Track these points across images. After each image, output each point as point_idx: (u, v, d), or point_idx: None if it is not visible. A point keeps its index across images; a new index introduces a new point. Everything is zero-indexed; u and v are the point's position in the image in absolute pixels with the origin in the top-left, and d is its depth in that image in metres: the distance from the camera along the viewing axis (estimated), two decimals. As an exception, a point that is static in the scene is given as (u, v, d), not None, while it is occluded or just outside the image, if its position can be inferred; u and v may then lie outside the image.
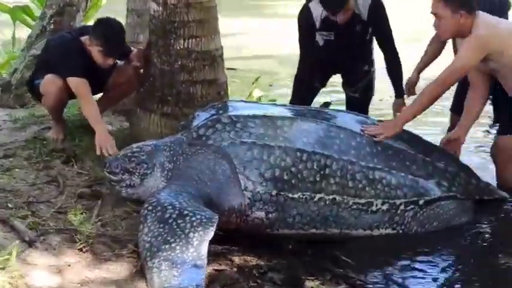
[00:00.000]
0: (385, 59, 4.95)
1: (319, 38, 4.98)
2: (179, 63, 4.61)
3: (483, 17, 4.14)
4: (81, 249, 3.47)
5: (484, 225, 4.10)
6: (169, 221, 3.37)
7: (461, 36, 4.21)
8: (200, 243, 3.25)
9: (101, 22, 4.74)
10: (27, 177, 4.30)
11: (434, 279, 3.55)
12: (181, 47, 4.59)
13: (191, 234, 3.29)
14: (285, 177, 3.74)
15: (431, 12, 4.20)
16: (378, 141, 3.92)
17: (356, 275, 3.49)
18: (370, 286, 3.43)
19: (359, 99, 5.19)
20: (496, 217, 4.18)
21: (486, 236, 4.03)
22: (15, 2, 7.79)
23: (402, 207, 3.89)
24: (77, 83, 4.58)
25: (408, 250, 3.82)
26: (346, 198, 3.80)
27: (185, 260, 3.18)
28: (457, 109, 5.02)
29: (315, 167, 3.76)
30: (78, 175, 4.40)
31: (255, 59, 10.50)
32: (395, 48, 4.95)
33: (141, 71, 4.88)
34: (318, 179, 3.76)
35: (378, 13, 4.81)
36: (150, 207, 3.48)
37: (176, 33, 4.57)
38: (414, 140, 4.19)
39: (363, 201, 3.82)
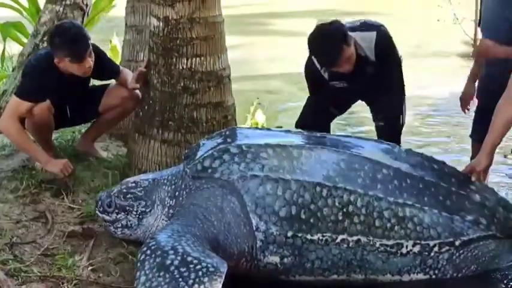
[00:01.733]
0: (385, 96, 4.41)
1: (332, 86, 4.45)
2: (182, 84, 4.17)
3: None
4: (68, 302, 3.05)
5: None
6: (171, 268, 2.91)
7: None
8: None
9: (54, 33, 4.30)
10: (12, 213, 3.86)
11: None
12: (184, 66, 4.15)
13: (196, 286, 2.84)
14: (303, 216, 3.28)
15: None
16: (411, 175, 3.47)
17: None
18: None
19: (387, 127, 4.56)
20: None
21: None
22: (7, 18, 7.38)
23: (436, 249, 3.41)
24: (11, 102, 4.30)
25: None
26: (373, 240, 3.33)
27: None
28: (477, 136, 4.48)
29: (336, 203, 3.30)
30: (69, 210, 3.95)
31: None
32: (400, 97, 4.47)
33: (139, 93, 4.45)
34: (340, 217, 3.29)
35: (386, 52, 4.26)
36: (148, 251, 3.02)
37: (178, 51, 4.14)
38: (446, 170, 3.70)
39: (391, 242, 3.35)
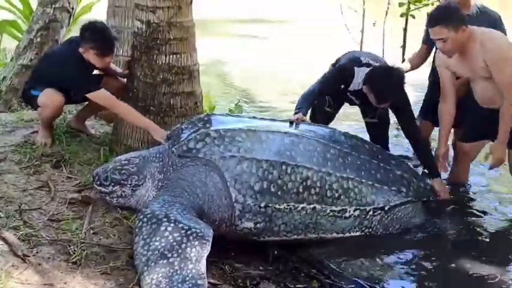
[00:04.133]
0: (411, 144, 3.83)
1: (348, 96, 3.96)
2: (161, 76, 3.70)
3: (472, 27, 3.43)
4: (75, 263, 2.58)
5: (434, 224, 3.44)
6: (165, 234, 2.54)
7: (462, 49, 3.42)
8: (198, 259, 2.45)
9: (86, 27, 3.74)
10: (18, 182, 3.32)
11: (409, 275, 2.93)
12: (163, 62, 3.68)
13: (188, 250, 2.47)
14: (272, 189, 2.96)
15: (435, 39, 3.42)
16: (350, 154, 3.22)
17: (341, 282, 2.75)
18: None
19: (378, 124, 4.12)
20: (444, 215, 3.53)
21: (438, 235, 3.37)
22: (2, 18, 6.56)
23: (371, 213, 3.19)
24: (101, 96, 3.65)
25: (379, 251, 3.11)
26: (325, 207, 3.07)
27: (185, 279, 2.37)
28: (427, 115, 4.18)
29: (298, 179, 3.00)
30: (67, 179, 3.44)
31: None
32: (418, 135, 3.75)
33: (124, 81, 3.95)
34: (301, 190, 3.01)
35: (403, 102, 3.68)
36: (144, 219, 2.63)
37: (159, 49, 3.66)
38: (374, 149, 3.46)
39: (338, 208, 3.10)
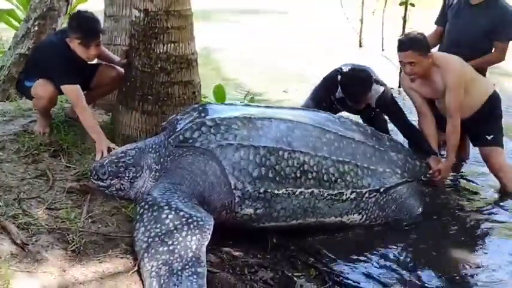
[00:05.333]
0: (403, 135, 3.93)
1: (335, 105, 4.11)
2: (159, 65, 3.70)
3: (435, 52, 3.84)
4: (74, 251, 2.60)
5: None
6: (166, 221, 2.56)
7: (427, 74, 3.71)
8: (199, 247, 2.47)
9: (73, 16, 3.74)
10: (17, 171, 3.33)
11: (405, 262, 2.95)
12: (161, 51, 3.68)
13: (189, 238, 2.49)
14: (270, 175, 2.99)
15: (403, 62, 3.67)
16: (345, 137, 3.29)
17: (338, 270, 2.77)
18: (351, 282, 2.72)
19: (376, 116, 4.19)
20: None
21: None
22: (0, 7, 6.52)
23: (367, 195, 3.26)
24: (71, 91, 3.61)
25: (375, 240, 3.14)
26: (322, 191, 3.11)
27: (185, 266, 2.38)
28: None
29: (295, 164, 3.04)
30: (66, 169, 3.44)
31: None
32: (408, 124, 3.87)
33: (123, 71, 3.93)
34: (298, 175, 3.04)
35: (385, 102, 3.87)
36: (146, 206, 2.66)
37: (156, 38, 3.66)
38: (368, 132, 3.52)
39: (335, 192, 3.16)
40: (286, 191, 3.02)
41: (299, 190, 3.04)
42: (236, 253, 2.78)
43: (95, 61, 4.17)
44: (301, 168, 3.04)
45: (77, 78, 3.65)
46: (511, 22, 4.06)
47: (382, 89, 3.84)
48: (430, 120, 3.84)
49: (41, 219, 2.81)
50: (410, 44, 3.64)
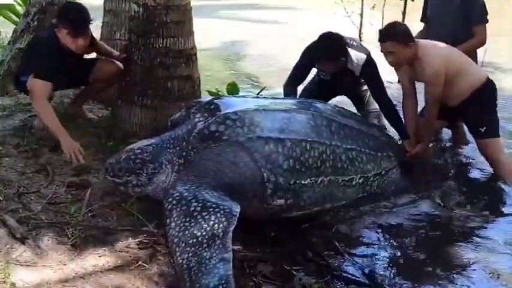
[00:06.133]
0: (380, 108, 4.04)
1: (316, 75, 4.18)
2: (158, 60, 3.71)
3: (421, 42, 3.79)
4: (73, 245, 2.61)
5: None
6: (194, 214, 2.59)
7: (410, 62, 3.75)
8: (225, 234, 2.52)
9: (63, 7, 3.75)
10: (17, 166, 3.34)
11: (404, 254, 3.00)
12: (160, 45, 3.69)
13: (216, 226, 2.54)
14: (297, 166, 3.05)
15: (384, 52, 3.70)
16: (346, 125, 3.37)
17: (337, 264, 2.78)
18: (350, 276, 2.73)
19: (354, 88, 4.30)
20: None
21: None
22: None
23: (372, 178, 3.41)
24: (41, 85, 3.53)
25: (374, 232, 3.18)
26: (337, 177, 3.21)
27: (212, 255, 2.43)
28: None
29: (316, 154, 3.12)
30: (65, 163, 3.43)
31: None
32: (388, 99, 3.93)
33: (122, 66, 3.93)
34: (319, 164, 3.13)
35: (370, 71, 3.90)
36: (174, 202, 2.67)
37: (156, 32, 3.67)
38: (359, 119, 3.70)
39: (347, 178, 3.27)
40: (311, 180, 3.10)
41: (320, 178, 3.13)
42: (235, 247, 2.76)
43: (94, 55, 4.18)
44: (321, 158, 3.14)
45: (54, 78, 3.57)
46: (481, 7, 4.25)
47: (364, 56, 3.89)
48: (412, 103, 3.92)
49: (41, 213, 2.82)
50: (389, 35, 3.68)
